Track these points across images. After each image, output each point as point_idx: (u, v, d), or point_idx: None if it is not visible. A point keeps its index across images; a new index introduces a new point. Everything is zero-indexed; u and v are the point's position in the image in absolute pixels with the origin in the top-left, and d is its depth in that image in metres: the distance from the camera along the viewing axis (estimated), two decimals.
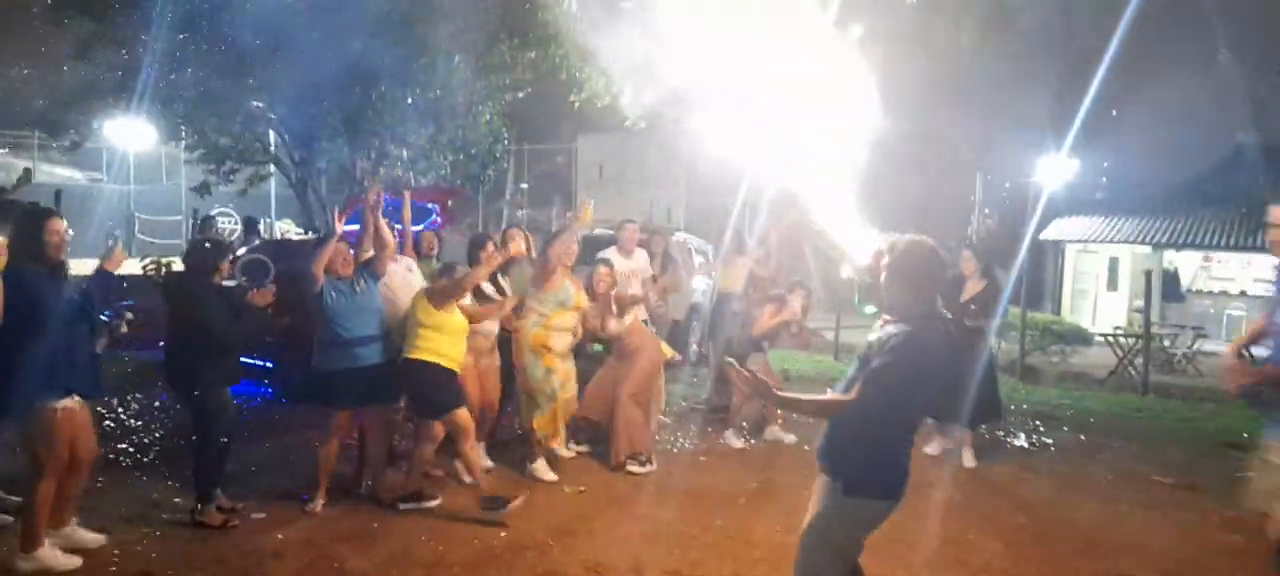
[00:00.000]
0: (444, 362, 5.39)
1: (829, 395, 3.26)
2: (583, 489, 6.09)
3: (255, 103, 13.04)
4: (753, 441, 7.61)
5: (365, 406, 5.56)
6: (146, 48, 11.42)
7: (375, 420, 5.66)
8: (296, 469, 6.24)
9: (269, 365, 8.56)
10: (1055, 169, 21.13)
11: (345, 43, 10.88)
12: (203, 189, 14.19)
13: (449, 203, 8.11)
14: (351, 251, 5.55)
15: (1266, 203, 4.40)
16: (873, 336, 3.14)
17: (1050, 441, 8.22)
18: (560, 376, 6.31)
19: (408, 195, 6.61)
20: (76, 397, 4.34)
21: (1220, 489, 6.61)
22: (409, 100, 12.72)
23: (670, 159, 27.04)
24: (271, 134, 14.36)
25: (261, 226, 13.44)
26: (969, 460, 7.07)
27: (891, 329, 3.05)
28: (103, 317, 4.39)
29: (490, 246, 6.24)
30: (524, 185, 30.16)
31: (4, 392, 4.23)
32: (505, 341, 6.41)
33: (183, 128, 13.64)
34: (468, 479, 5.74)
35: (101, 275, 4.43)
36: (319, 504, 5.42)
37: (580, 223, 6.54)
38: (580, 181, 30.74)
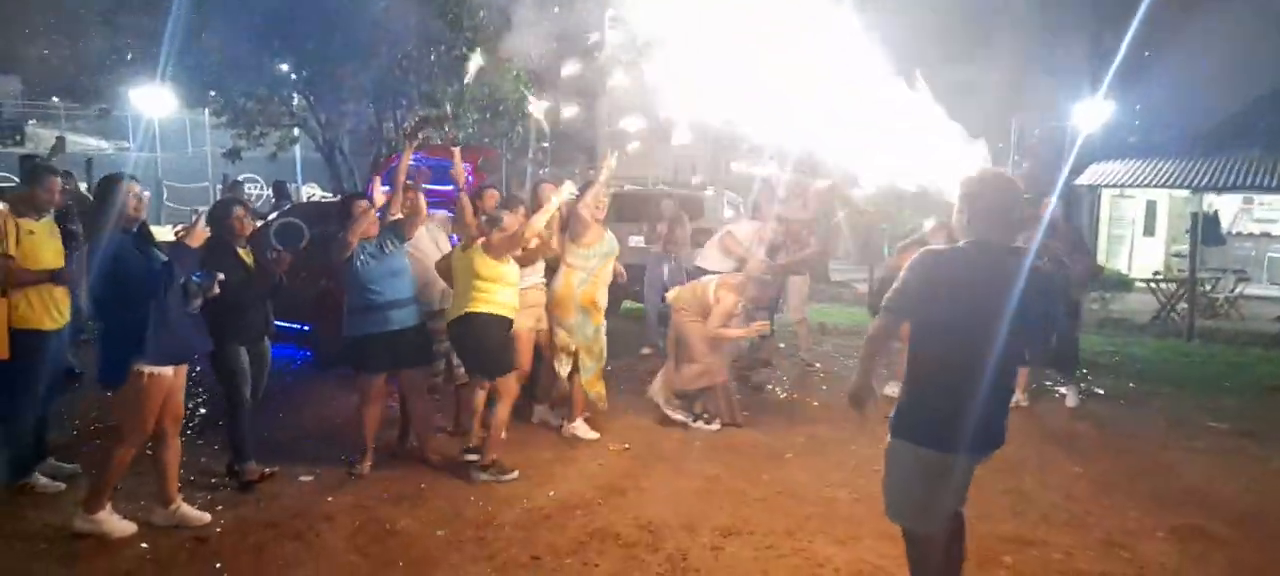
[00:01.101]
0: (506, 313, 5.35)
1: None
2: (627, 446, 6.04)
3: (281, 65, 12.97)
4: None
5: (400, 370, 5.47)
6: (171, 12, 11.34)
7: (413, 382, 5.56)
8: (341, 432, 6.23)
9: (307, 329, 8.55)
10: (1090, 112, 20.62)
11: (371, 2, 10.75)
12: (233, 154, 14.16)
13: (479, 160, 8.00)
14: (377, 213, 5.43)
15: None
16: None
17: (1100, 389, 8.07)
18: (604, 336, 6.26)
19: (458, 152, 6.45)
20: (172, 364, 4.31)
21: (1277, 434, 6.45)
22: (433, 58, 12.60)
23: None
24: (296, 97, 14.29)
25: (289, 189, 13.41)
26: (1021, 399, 6.98)
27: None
28: (195, 279, 4.32)
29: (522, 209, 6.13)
30: (546, 144, 29.95)
31: (100, 358, 4.28)
32: None
33: (210, 93, 13.61)
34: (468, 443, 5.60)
35: (178, 248, 4.35)
36: (366, 467, 5.40)
37: (606, 171, 6.36)
38: (600, 138, 30.46)
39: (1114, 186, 21.07)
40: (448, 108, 12.46)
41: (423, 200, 5.73)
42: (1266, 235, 20.23)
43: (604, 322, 6.28)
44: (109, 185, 4.26)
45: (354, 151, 15.30)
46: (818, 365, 8.92)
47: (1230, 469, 5.81)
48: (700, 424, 6.47)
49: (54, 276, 4.74)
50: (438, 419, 6.21)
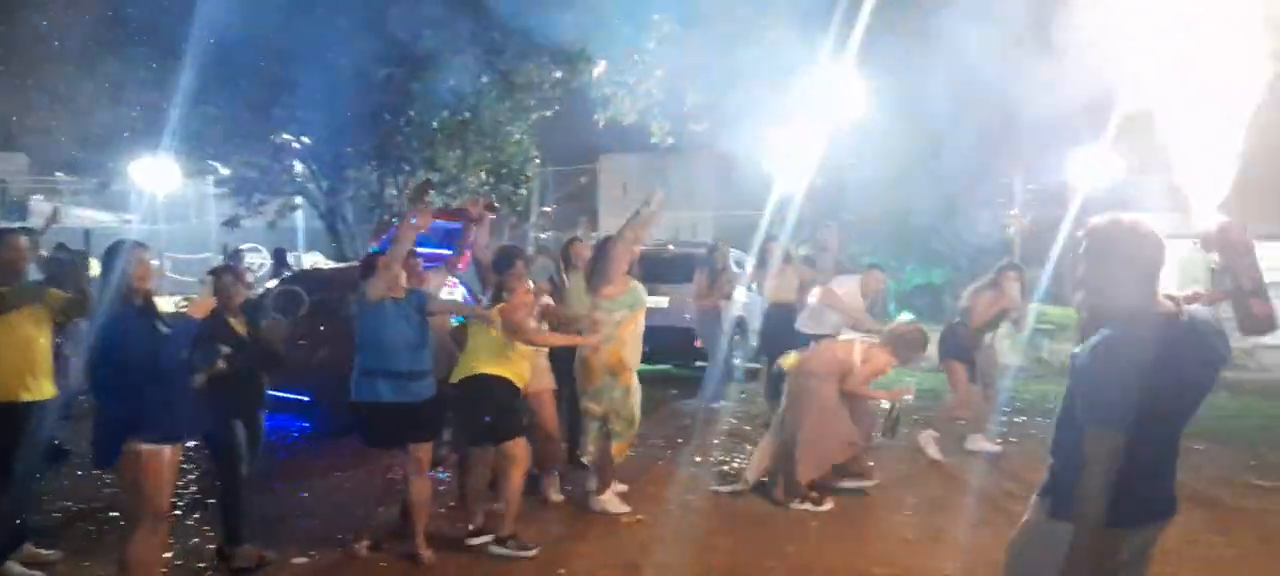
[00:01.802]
0: (515, 379, 5.07)
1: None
2: (640, 518, 5.72)
3: (284, 134, 12.94)
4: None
5: (407, 445, 5.06)
6: (173, 85, 11.30)
7: (418, 460, 5.09)
8: (338, 509, 5.91)
9: (306, 399, 8.27)
10: (1091, 166, 20.58)
11: (372, 70, 10.71)
12: (232, 223, 14.04)
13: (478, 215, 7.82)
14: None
15: None
16: (1078, 348, 2.58)
17: None
18: (637, 397, 5.85)
19: (476, 207, 6.24)
20: (170, 442, 3.99)
21: None
22: (435, 124, 12.55)
23: (694, 175, 26.80)
24: (298, 164, 14.24)
25: (289, 258, 13.25)
26: None
27: (1100, 333, 2.46)
28: (198, 353, 4.10)
29: (520, 263, 5.89)
30: (546, 207, 29.99)
31: (95, 435, 3.98)
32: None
33: (210, 162, 13.55)
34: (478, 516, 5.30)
35: (181, 319, 4.13)
36: (364, 546, 5.08)
37: (654, 211, 5.97)
38: (603, 201, 30.52)
39: None
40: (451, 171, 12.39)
41: (419, 264, 5.50)
42: (1276, 284, 19.94)
43: (635, 383, 5.84)
44: (114, 251, 4.00)
45: (356, 218, 15.19)
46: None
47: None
48: (807, 504, 5.89)
49: None
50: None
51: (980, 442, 7.34)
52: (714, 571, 4.84)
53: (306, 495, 6.34)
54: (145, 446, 3.85)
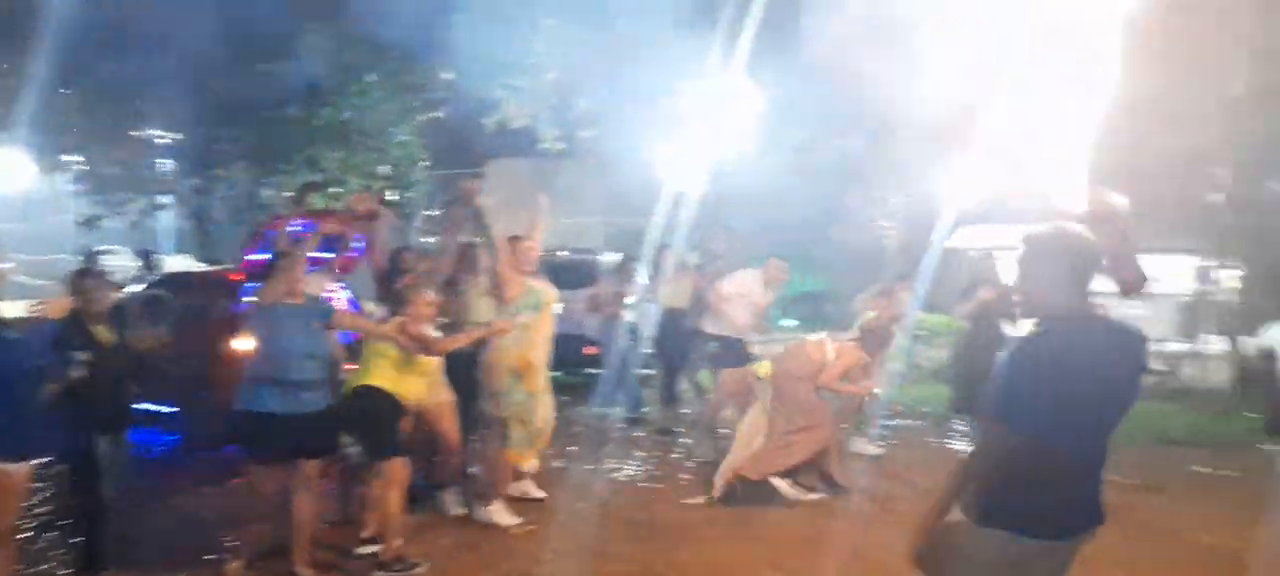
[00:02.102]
0: (404, 395, 4.86)
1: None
2: (533, 527, 5.61)
3: (148, 129, 12.19)
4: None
5: (295, 459, 4.77)
6: (23, 72, 10.45)
7: (305, 476, 4.80)
8: (207, 528, 5.55)
9: (172, 411, 7.78)
10: (959, 183, 21.62)
11: (248, 63, 10.18)
12: (91, 222, 13.08)
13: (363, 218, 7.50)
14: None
15: None
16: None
17: None
18: (543, 401, 5.71)
19: (374, 208, 6.01)
20: (18, 459, 3.67)
21: (1179, 488, 6.59)
22: (317, 122, 12.06)
23: (582, 182, 26.76)
24: (166, 161, 13.44)
25: (151, 260, 12.40)
26: None
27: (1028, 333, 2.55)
28: (52, 363, 3.76)
29: (413, 272, 5.72)
30: (428, 212, 29.28)
31: None
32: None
33: (65, 158, 12.61)
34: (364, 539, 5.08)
35: (33, 326, 3.84)
36: (237, 567, 4.77)
37: (542, 218, 5.97)
38: (489, 206, 30.08)
39: (981, 248, 22.08)
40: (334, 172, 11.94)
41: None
42: (1173, 295, 21.34)
43: (544, 391, 5.72)
44: None
45: (230, 219, 14.43)
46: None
47: (1136, 525, 5.80)
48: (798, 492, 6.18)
49: None
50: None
51: (864, 445, 7.57)
52: None
53: (173, 513, 5.94)
54: None
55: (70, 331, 3.96)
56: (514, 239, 5.83)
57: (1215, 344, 13.67)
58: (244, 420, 4.62)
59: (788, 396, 6.15)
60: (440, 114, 14.43)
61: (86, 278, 4.53)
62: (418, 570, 4.81)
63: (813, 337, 6.64)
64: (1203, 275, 14.98)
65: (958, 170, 15.49)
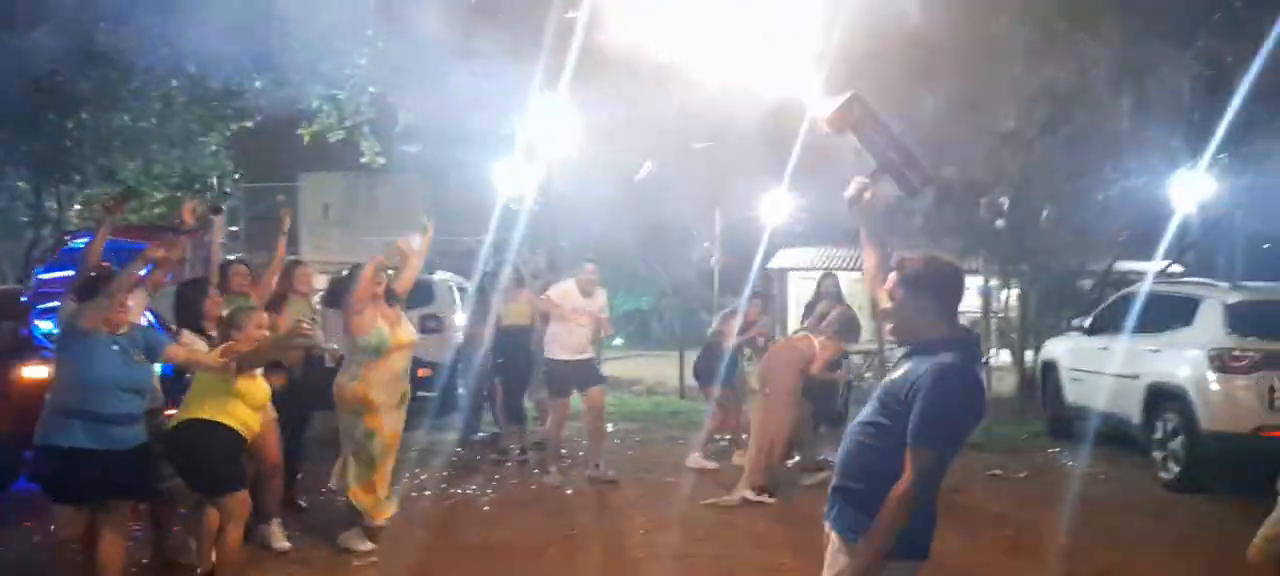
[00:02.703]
0: (237, 427, 4.52)
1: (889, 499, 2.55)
2: (374, 559, 5.40)
3: None
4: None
5: (107, 499, 4.30)
6: None
7: (116, 517, 4.34)
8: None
9: None
10: (775, 205, 22.79)
11: (35, 63, 9.23)
12: None
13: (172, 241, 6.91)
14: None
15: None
16: (897, 374, 2.69)
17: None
18: (386, 439, 5.41)
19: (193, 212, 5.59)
20: None
21: (978, 488, 7.25)
22: (113, 129, 11.11)
23: (404, 198, 26.01)
24: None
25: None
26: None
27: (931, 360, 2.58)
28: None
29: (214, 293, 5.35)
30: (233, 227, 27.55)
31: None
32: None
33: None
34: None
35: None
36: None
37: (399, 253, 5.73)
38: (304, 221, 28.69)
39: (796, 269, 23.43)
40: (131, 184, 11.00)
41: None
42: None
43: (386, 426, 5.36)
44: None
45: (4, 234, 12.97)
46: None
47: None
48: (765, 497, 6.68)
49: None
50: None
51: (698, 459, 7.82)
52: None
53: None
54: None
55: None
56: (295, 262, 5.77)
57: (1002, 357, 15.18)
58: (47, 455, 4.17)
59: (776, 385, 6.88)
60: (250, 123, 13.66)
61: None
62: None
63: (799, 333, 7.55)
64: (988, 294, 16.57)
65: (770, 196, 16.36)
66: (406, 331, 5.53)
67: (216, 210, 6.03)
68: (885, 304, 2.78)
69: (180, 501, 5.17)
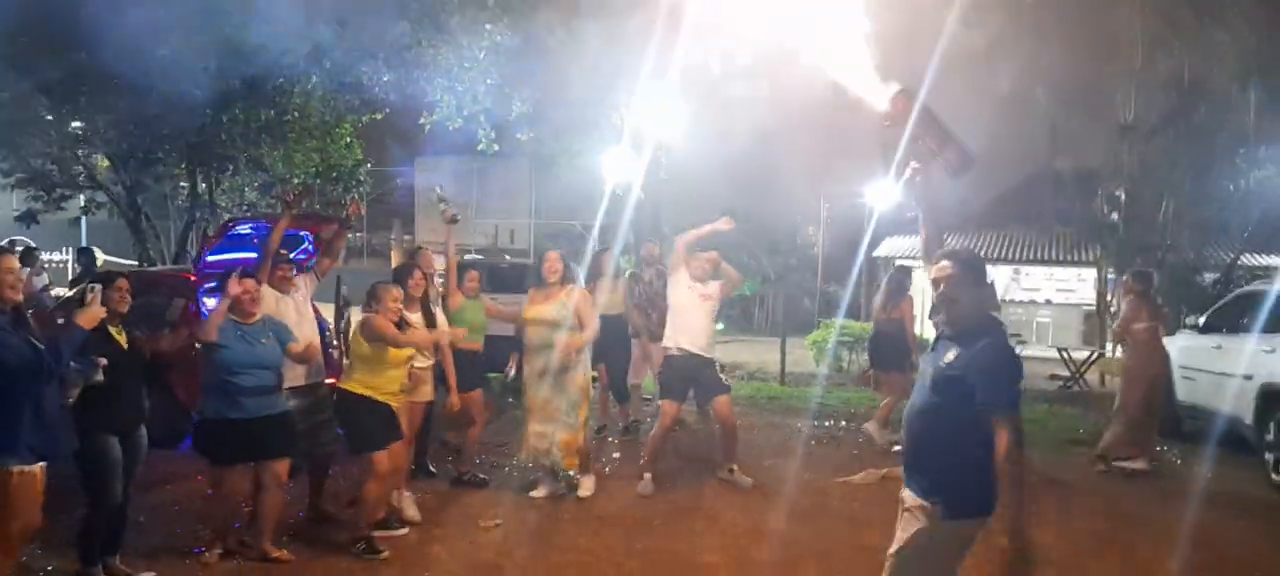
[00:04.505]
0: (375, 396, 5.21)
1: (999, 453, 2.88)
2: (498, 522, 5.96)
3: (75, 124, 12.00)
4: None
5: (258, 461, 5.07)
6: None
7: (271, 475, 5.08)
8: (186, 518, 5.77)
9: None
10: (883, 191, 22.57)
11: (196, 62, 10.15)
12: (27, 218, 12.75)
13: (319, 233, 7.56)
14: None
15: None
16: (948, 357, 3.02)
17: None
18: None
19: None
20: (40, 462, 3.70)
21: (1079, 481, 7.29)
22: (263, 120, 12.06)
23: (513, 182, 26.84)
24: (100, 159, 13.16)
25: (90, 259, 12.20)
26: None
27: (985, 339, 2.97)
28: (74, 366, 3.87)
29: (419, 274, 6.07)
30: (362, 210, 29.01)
31: None
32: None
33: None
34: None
35: (63, 329, 3.81)
36: (214, 555, 5.04)
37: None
38: (419, 206, 29.96)
39: (903, 257, 23.14)
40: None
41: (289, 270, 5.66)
42: (1032, 302, 22.91)
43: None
44: None
45: (159, 215, 14.20)
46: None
47: (1044, 518, 6.44)
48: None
49: None
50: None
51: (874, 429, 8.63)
52: (566, 569, 5.20)
53: (151, 504, 5.99)
54: (19, 466, 3.60)
55: (93, 336, 4.02)
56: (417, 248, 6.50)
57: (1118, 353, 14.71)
58: (205, 427, 5.02)
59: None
60: (379, 116, 14.48)
61: (115, 278, 4.63)
62: (381, 554, 5.16)
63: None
64: (1107, 286, 16.14)
65: (877, 184, 16.30)
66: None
67: (453, 220, 6.76)
68: (942, 291, 3.09)
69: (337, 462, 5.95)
